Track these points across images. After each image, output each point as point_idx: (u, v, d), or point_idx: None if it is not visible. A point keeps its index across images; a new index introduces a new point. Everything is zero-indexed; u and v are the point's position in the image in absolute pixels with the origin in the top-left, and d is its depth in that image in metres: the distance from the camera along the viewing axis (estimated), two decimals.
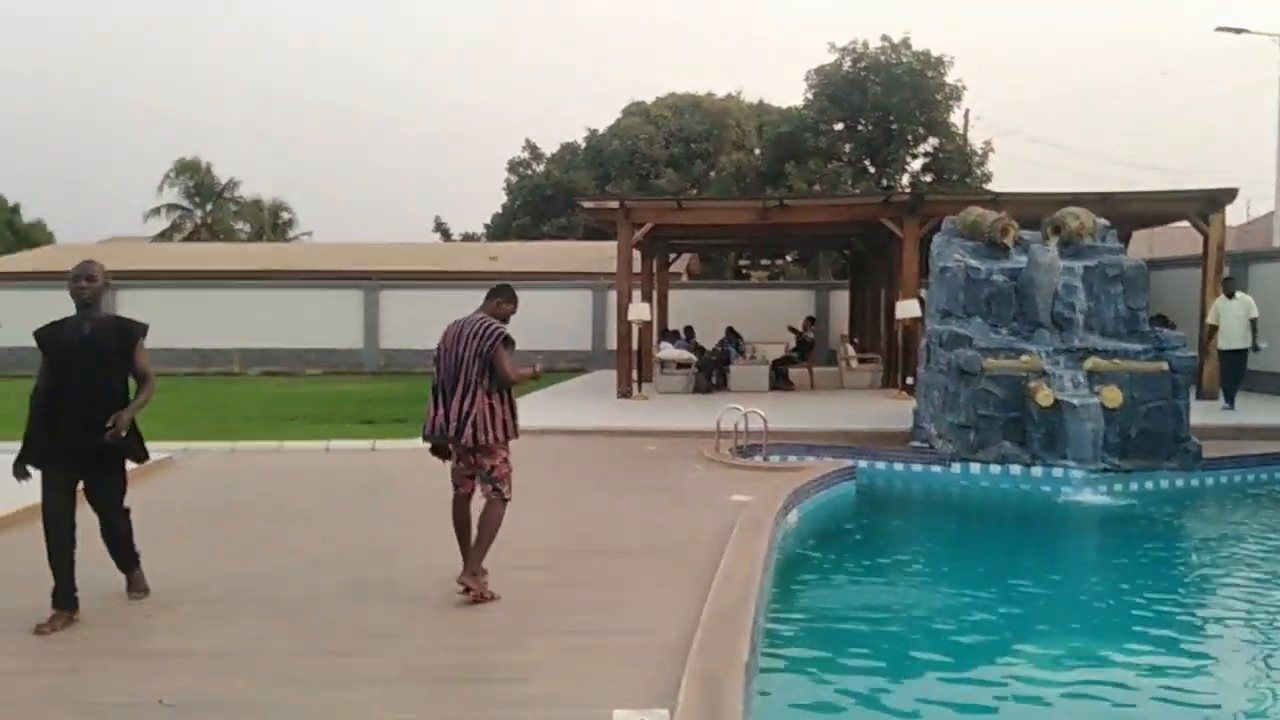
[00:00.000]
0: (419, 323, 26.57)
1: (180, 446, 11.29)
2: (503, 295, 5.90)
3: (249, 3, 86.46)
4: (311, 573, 6.23)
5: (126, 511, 5.39)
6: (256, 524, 7.80)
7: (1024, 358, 10.35)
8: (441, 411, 5.68)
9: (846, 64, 31.42)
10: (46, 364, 5.09)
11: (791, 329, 21.40)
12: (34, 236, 46.49)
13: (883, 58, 30.93)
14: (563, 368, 23.01)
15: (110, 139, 78.61)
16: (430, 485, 9.36)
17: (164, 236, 47.11)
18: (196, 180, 48.32)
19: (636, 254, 18.80)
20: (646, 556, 6.67)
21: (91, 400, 4.99)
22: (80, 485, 5.22)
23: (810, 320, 22.57)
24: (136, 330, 5.22)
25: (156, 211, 48.00)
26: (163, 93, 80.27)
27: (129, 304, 26.48)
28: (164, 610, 5.41)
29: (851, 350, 20.17)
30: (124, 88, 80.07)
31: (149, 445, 10.99)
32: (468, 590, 5.56)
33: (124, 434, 5.04)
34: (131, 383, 5.34)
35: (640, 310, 17.39)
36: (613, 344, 20.45)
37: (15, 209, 47.44)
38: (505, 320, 5.82)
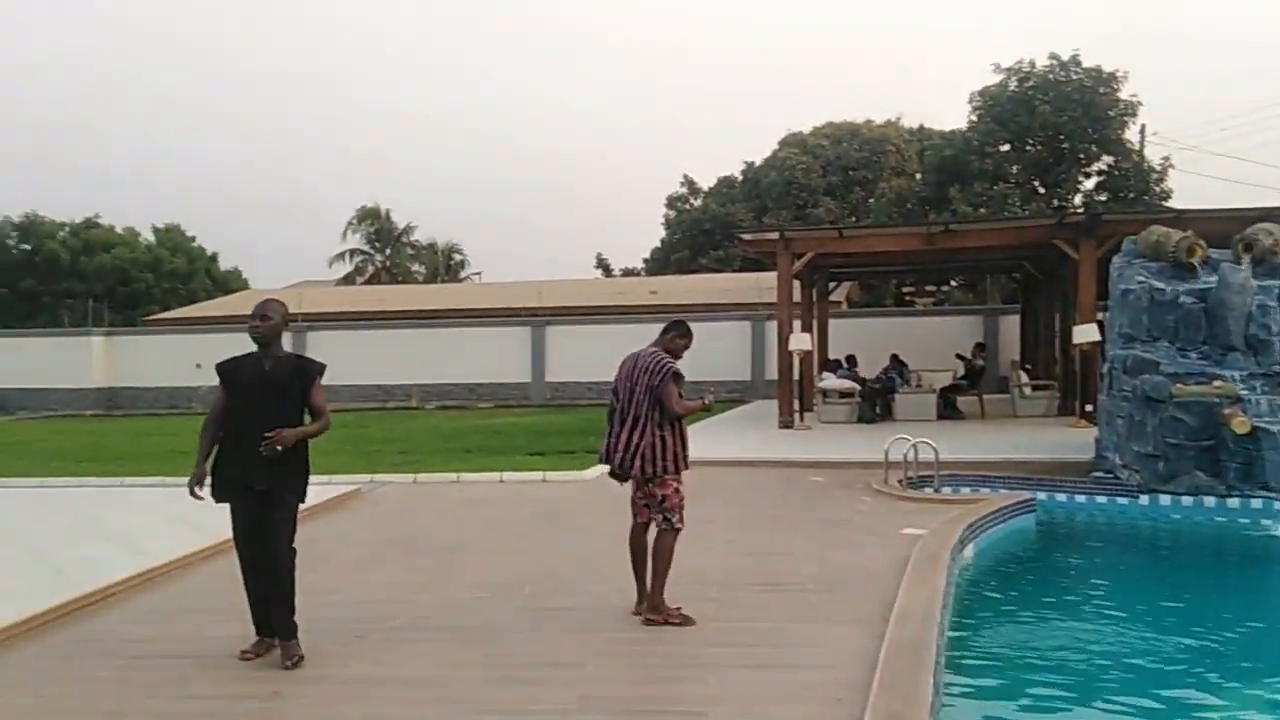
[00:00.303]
0: (583, 356, 27.27)
1: (367, 478, 11.93)
2: (677, 330, 6.03)
3: (421, 58, 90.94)
4: (493, 602, 6.47)
5: (293, 552, 5.22)
6: (439, 553, 8.14)
7: (1216, 383, 9.76)
8: (614, 442, 5.85)
9: (1013, 84, 30.48)
10: (224, 397, 5.19)
11: (960, 356, 20.81)
12: (230, 283, 49.93)
13: (1051, 76, 29.86)
14: (722, 399, 23.06)
15: (300, 190, 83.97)
16: (600, 517, 9.62)
17: (347, 280, 49.84)
18: (377, 226, 51.00)
19: (796, 283, 18.72)
20: (819, 590, 6.62)
21: (260, 432, 4.99)
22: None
23: (979, 347, 21.88)
24: (314, 369, 5.23)
25: (341, 256, 50.92)
26: (348, 143, 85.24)
27: (317, 344, 28.21)
28: (358, 638, 5.71)
29: (1024, 377, 19.43)
30: (311, 141, 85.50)
31: (342, 477, 11.71)
32: (649, 622, 5.68)
33: (279, 448, 4.98)
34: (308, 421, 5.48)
35: (801, 340, 17.29)
36: (772, 374, 20.40)
37: (214, 258, 51.04)
38: (679, 354, 5.96)
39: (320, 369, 5.26)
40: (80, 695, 4.89)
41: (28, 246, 45.32)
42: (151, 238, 48.63)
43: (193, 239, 50.05)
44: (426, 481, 12.11)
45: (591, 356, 26.97)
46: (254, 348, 5.20)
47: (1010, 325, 25.52)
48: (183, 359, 28.15)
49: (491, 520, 9.66)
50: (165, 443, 17.55)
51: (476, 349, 28.51)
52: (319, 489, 10.65)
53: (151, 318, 37.55)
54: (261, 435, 4.95)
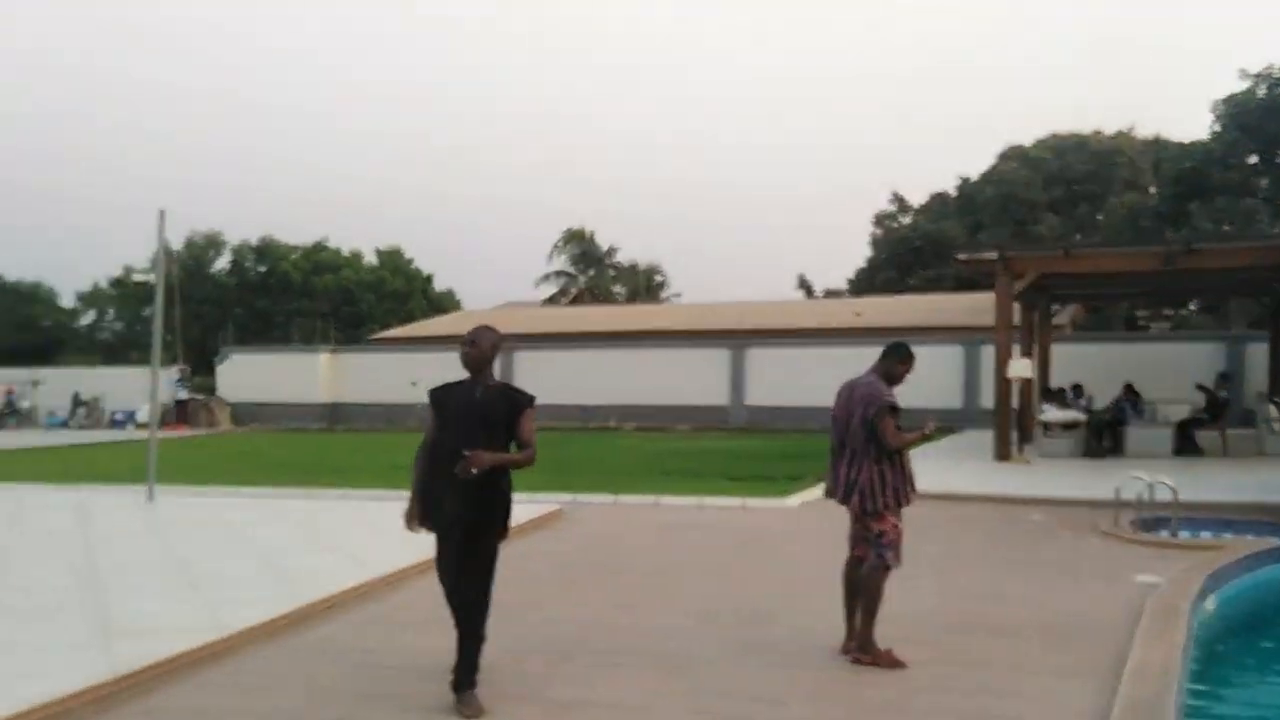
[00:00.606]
0: (784, 380, 26.94)
1: (569, 498, 12.10)
2: (897, 355, 5.72)
3: (628, 86, 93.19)
4: (694, 630, 6.35)
5: (489, 587, 5.02)
6: (640, 577, 8.11)
7: None
8: (833, 475, 5.63)
9: (1261, 90, 28.11)
10: (435, 424, 5.03)
11: (1201, 387, 19.15)
12: (444, 303, 52.55)
13: None
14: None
15: (509, 213, 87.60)
16: (803, 547, 9.38)
17: (552, 301, 51.47)
18: (582, 248, 52.50)
19: (1015, 305, 17.77)
20: (1040, 638, 6.15)
21: (463, 454, 4.81)
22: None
23: (1223, 377, 20.09)
24: (524, 400, 5.01)
25: (546, 278, 52.68)
26: (557, 167, 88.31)
27: (522, 364, 29.14)
28: (562, 659, 5.72)
29: (1274, 411, 17.69)
30: (517, 166, 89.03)
31: (544, 495, 11.91)
32: (857, 662, 5.42)
33: (474, 471, 4.75)
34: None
35: (1020, 366, 16.39)
36: (987, 402, 19.44)
37: (429, 279, 53.88)
38: (899, 380, 5.67)
39: (530, 400, 5.03)
40: (306, 701, 5.09)
41: (264, 268, 49.18)
42: (374, 260, 51.81)
43: (411, 261, 52.97)
44: (626, 503, 12.18)
45: (792, 380, 26.61)
46: (464, 370, 5.08)
47: (1257, 353, 23.30)
48: (400, 376, 29.64)
49: (692, 546, 9.57)
50: (383, 457, 18.48)
51: (675, 371, 28.65)
52: (523, 506, 10.91)
53: (373, 336, 39.89)
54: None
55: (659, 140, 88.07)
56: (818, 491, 12.43)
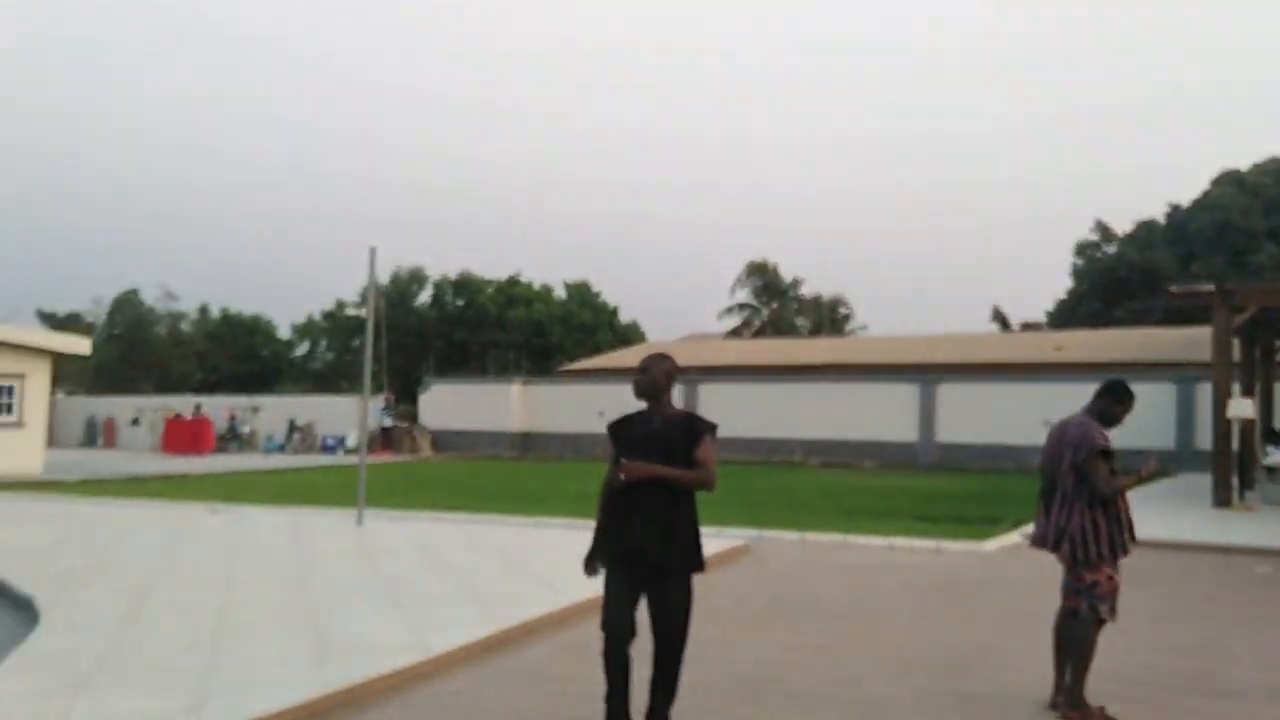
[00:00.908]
0: (977, 417, 25.98)
1: (754, 533, 12.04)
2: (1114, 395, 5.39)
3: (808, 117, 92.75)
4: (889, 677, 6.18)
5: (684, 636, 4.78)
6: (830, 619, 7.96)
7: None
8: (1043, 521, 5.39)
9: None
10: (614, 458, 4.80)
11: None
12: (629, 335, 53.47)
13: None
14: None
15: (693, 246, 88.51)
16: (1003, 594, 8.99)
17: (735, 333, 51.54)
18: (764, 280, 52.42)
19: (1234, 341, 16.53)
20: (1268, 702, 5.67)
21: (650, 498, 4.60)
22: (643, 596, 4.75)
23: None
24: (704, 426, 4.76)
25: (729, 310, 52.83)
26: (741, 200, 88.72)
27: (706, 396, 29.24)
28: (752, 700, 5.68)
29: None
30: (703, 199, 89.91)
31: (731, 530, 11.88)
32: (1065, 717, 5.17)
33: (624, 479, 4.61)
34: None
35: (1241, 406, 15.23)
36: (1204, 444, 18.17)
37: (615, 312, 54.99)
38: (1117, 422, 5.36)
39: (711, 427, 4.79)
40: None
41: (462, 302, 51.42)
42: (563, 293, 53.34)
43: (598, 295, 54.23)
44: (813, 541, 12.00)
45: (986, 417, 25.63)
46: (639, 400, 4.92)
47: None
48: (587, 407, 30.34)
49: (883, 588, 9.33)
50: (572, 485, 18.93)
51: (861, 405, 28.11)
52: (708, 540, 10.90)
53: (562, 368, 41.03)
54: (648, 498, 4.58)
55: (844, 171, 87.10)
56: (1016, 536, 11.91)
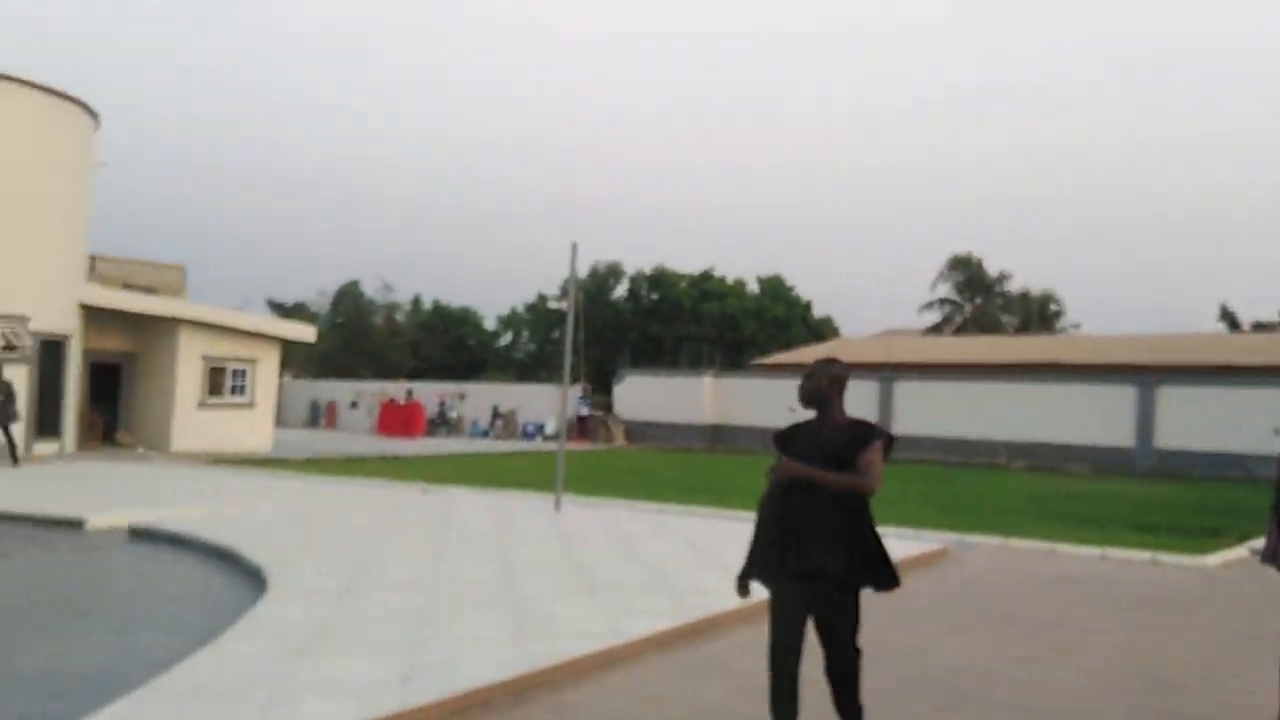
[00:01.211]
0: (1202, 422, 24.20)
1: (954, 537, 11.65)
2: None
3: (1014, 111, 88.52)
4: (1098, 692, 5.86)
5: (858, 651, 4.38)
6: (1034, 628, 7.62)
7: None
8: (1275, 537, 4.98)
9: None
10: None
11: None
12: (823, 330, 52.71)
13: None
14: None
15: (890, 239, 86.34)
16: (1225, 611, 8.36)
17: (935, 329, 49.93)
18: (968, 275, 50.52)
19: None
20: None
21: (812, 511, 4.22)
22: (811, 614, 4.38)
23: None
24: (874, 434, 4.31)
25: (929, 305, 51.20)
26: (937, 191, 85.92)
27: (903, 394, 28.52)
28: (953, 709, 5.51)
29: None
30: (899, 191, 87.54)
31: (929, 533, 11.55)
32: None
33: (775, 480, 4.36)
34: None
35: None
36: None
37: (808, 306, 54.31)
38: None
39: (884, 435, 4.34)
40: (693, 717, 5.31)
41: (656, 295, 52.14)
42: (756, 287, 53.16)
43: (791, 289, 53.73)
44: (1016, 548, 11.50)
45: (1211, 423, 23.85)
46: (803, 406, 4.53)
47: None
48: (778, 401, 30.08)
49: (1094, 600, 8.84)
50: (761, 480, 18.83)
51: (1071, 407, 26.68)
52: (904, 543, 10.66)
53: (754, 362, 40.94)
54: (814, 509, 4.21)
55: (1055, 159, 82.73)
56: (1243, 551, 11.04)
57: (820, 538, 4.18)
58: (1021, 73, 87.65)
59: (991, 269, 51.04)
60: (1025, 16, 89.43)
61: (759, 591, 4.55)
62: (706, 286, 51.59)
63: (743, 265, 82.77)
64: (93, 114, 22.05)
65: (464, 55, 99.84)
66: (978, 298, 51.00)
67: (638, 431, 33.39)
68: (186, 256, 79.62)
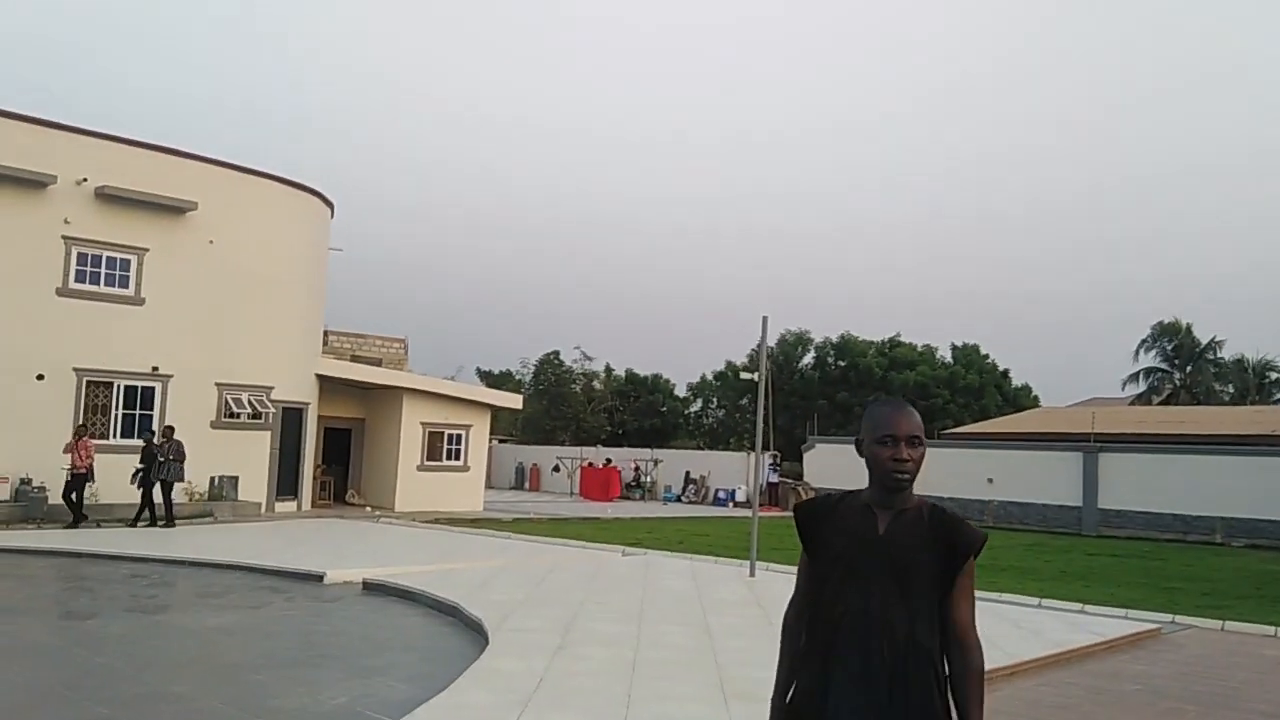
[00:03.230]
0: None
1: (1166, 618, 11.25)
2: None
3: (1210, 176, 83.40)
4: None
5: None
6: (1253, 717, 7.39)
7: None
8: None
9: None
10: (809, 567, 2.84)
11: None
12: (1019, 399, 50.78)
13: None
14: None
15: (1092, 309, 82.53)
16: None
17: (1141, 399, 47.31)
18: (1176, 342, 47.78)
19: None
20: None
21: (870, 648, 2.61)
22: None
23: None
24: (972, 539, 2.69)
25: (1134, 377, 48.65)
26: (1140, 257, 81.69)
27: (1109, 467, 27.30)
28: None
29: None
30: (1102, 257, 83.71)
31: (1138, 613, 11.22)
32: None
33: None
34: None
35: None
36: None
37: (1004, 374, 52.48)
38: None
39: (979, 540, 2.69)
40: None
41: (843, 363, 51.75)
42: (949, 355, 51.93)
43: (985, 356, 52.18)
44: (1237, 631, 10.99)
45: None
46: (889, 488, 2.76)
47: None
48: (974, 472, 29.40)
49: None
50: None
51: None
52: (1113, 622, 10.41)
53: (946, 431, 39.95)
54: (869, 640, 2.60)
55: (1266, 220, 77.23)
56: None
57: (873, 681, 2.57)
58: (1225, 143, 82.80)
59: (1201, 335, 48.12)
60: (1226, 92, 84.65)
61: None
62: (895, 354, 50.84)
63: (932, 333, 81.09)
64: (328, 203, 24.41)
65: (655, 126, 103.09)
66: (1188, 366, 48.07)
67: None
68: (406, 328, 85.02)
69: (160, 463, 17.88)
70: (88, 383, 19.46)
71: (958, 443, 34.72)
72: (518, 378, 53.71)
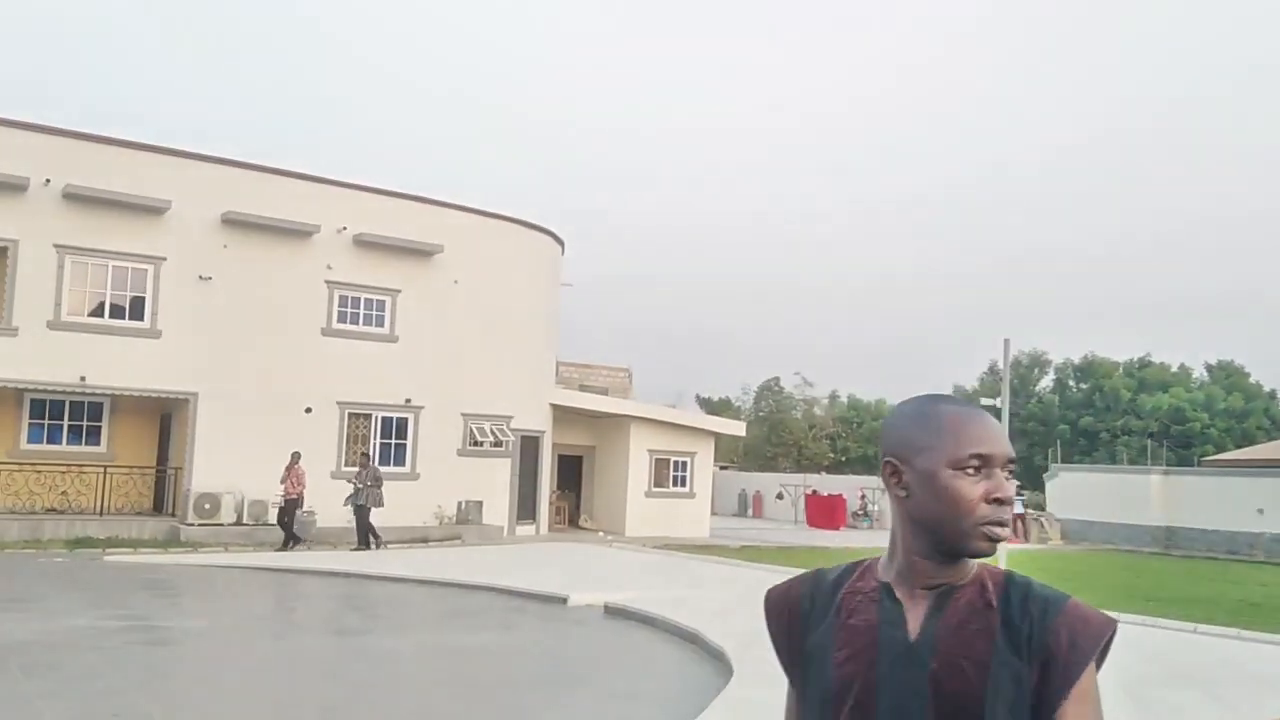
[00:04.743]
0: None
1: None
2: None
3: None
4: None
5: None
6: None
7: None
8: None
9: None
10: (798, 687, 1.69)
11: None
12: None
13: None
14: None
15: None
16: None
17: None
18: None
19: None
20: None
21: None
22: None
23: None
24: (1087, 644, 1.47)
25: None
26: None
27: None
28: None
29: None
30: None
31: None
32: None
33: None
34: None
35: None
36: None
37: (1271, 395, 47.92)
38: None
39: (1103, 634, 1.49)
40: None
41: (1086, 385, 48.81)
42: (1205, 375, 48.01)
43: (1248, 376, 47.89)
44: None
45: None
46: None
47: None
48: (1242, 502, 26.96)
49: None
50: (1232, 591, 17.03)
51: None
52: None
53: (1207, 458, 36.88)
54: None
55: None
56: None
57: None
58: None
59: None
60: None
61: None
62: (1144, 375, 47.50)
63: (1186, 352, 75.10)
64: (560, 241, 25.47)
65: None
66: None
67: (1074, 530, 31.27)
68: (629, 357, 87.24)
69: (358, 489, 18.51)
70: (349, 414, 21.07)
71: (1222, 470, 31.98)
72: (736, 404, 53.85)
